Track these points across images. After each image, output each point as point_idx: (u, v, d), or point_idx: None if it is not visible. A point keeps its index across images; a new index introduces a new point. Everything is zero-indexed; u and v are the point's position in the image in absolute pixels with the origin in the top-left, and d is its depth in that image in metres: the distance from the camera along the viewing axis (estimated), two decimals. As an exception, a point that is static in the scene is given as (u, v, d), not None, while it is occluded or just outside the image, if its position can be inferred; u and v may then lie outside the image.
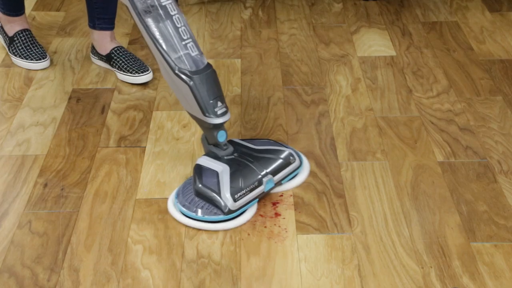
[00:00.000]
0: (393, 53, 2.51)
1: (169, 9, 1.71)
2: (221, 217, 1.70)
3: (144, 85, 2.31)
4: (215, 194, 1.70)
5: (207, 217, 1.70)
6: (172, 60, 1.69)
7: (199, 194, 1.73)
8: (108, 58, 2.35)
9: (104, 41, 2.36)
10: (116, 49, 2.34)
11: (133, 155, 1.98)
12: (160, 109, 2.19)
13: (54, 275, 1.59)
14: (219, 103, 1.72)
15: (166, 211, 1.78)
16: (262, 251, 1.66)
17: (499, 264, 1.61)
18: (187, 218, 1.72)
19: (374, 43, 2.58)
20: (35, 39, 2.44)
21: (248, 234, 1.70)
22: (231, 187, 1.70)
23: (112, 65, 2.34)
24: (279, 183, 1.81)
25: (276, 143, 1.88)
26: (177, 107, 2.20)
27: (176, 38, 1.70)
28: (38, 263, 1.62)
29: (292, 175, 1.85)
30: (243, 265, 1.62)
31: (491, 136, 2.05)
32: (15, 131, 2.08)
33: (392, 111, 2.17)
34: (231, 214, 1.70)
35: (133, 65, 2.30)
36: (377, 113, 2.16)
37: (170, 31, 1.70)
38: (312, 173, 1.90)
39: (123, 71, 2.30)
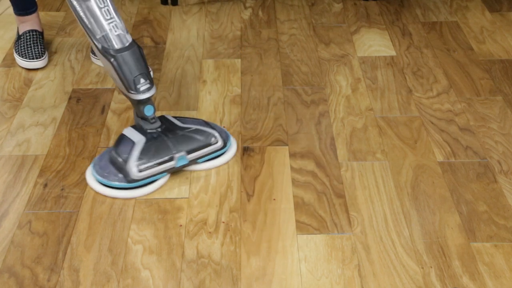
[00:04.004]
0: (393, 53, 2.51)
1: None
2: (124, 184, 1.79)
3: (144, 85, 2.31)
4: (122, 162, 1.80)
5: (111, 183, 1.80)
6: (97, 39, 1.77)
7: (111, 161, 1.83)
8: None
9: None
10: None
11: (133, 155, 1.98)
12: (160, 109, 2.19)
13: (54, 275, 1.59)
14: (142, 80, 1.79)
15: (166, 211, 1.78)
16: (262, 251, 1.66)
17: (499, 264, 1.61)
18: (96, 182, 1.83)
19: (374, 43, 2.58)
20: (40, 40, 2.44)
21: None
22: (139, 158, 1.79)
23: None
24: (194, 162, 1.88)
25: (207, 124, 1.94)
26: (177, 107, 2.20)
27: (100, 18, 1.77)
28: (38, 263, 1.62)
29: (212, 156, 1.91)
30: (243, 265, 1.62)
31: (491, 136, 2.05)
32: (15, 131, 2.08)
33: (392, 111, 2.17)
34: (134, 183, 1.79)
35: None
36: (377, 113, 2.16)
37: (94, 11, 1.77)
38: (312, 173, 1.91)
39: None
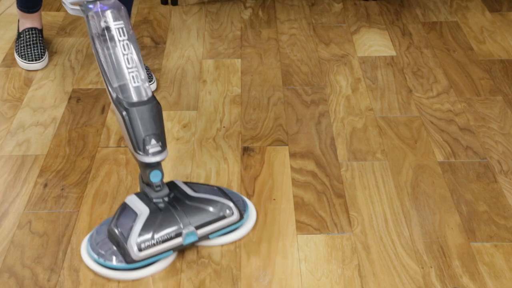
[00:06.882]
0: (393, 53, 2.51)
1: (118, 34, 1.57)
2: (122, 265, 1.56)
3: (144, 85, 2.31)
4: (122, 238, 1.55)
5: (107, 263, 1.57)
6: (113, 88, 1.57)
7: (110, 235, 1.60)
8: None
9: None
10: None
11: (133, 155, 1.98)
12: (160, 109, 2.19)
13: (54, 275, 1.59)
14: (153, 141, 1.56)
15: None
16: (262, 251, 1.65)
17: (499, 264, 1.61)
18: (91, 260, 1.59)
19: (374, 43, 2.59)
20: (40, 40, 2.44)
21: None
22: (140, 234, 1.54)
23: None
24: (205, 237, 1.62)
25: (222, 192, 1.69)
26: (177, 107, 2.20)
27: (120, 66, 1.56)
28: (38, 263, 1.62)
29: (225, 230, 1.65)
30: (243, 265, 1.62)
31: (491, 136, 2.05)
32: (15, 131, 2.08)
33: (392, 111, 2.17)
34: (134, 264, 1.55)
35: None
36: (377, 113, 2.16)
37: (114, 57, 1.56)
38: (312, 173, 1.91)
39: None
